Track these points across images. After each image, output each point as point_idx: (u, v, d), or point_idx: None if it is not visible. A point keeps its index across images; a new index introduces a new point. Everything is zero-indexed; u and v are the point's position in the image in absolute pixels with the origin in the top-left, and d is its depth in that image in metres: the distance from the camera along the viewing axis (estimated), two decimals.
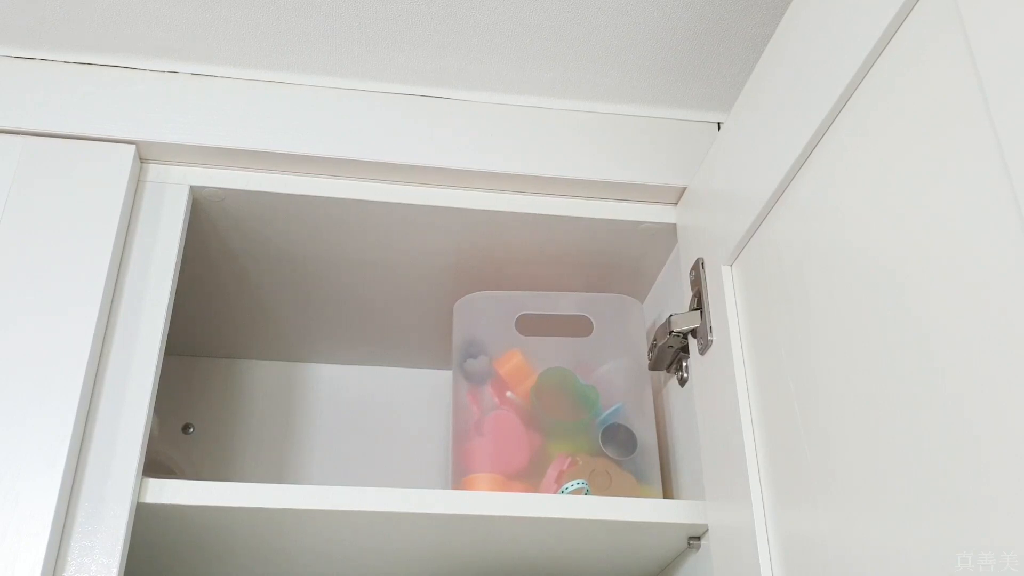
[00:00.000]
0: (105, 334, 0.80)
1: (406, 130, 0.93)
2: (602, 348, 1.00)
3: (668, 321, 0.88)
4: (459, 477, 0.92)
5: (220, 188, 0.90)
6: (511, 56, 0.92)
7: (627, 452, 0.94)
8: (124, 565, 0.72)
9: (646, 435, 0.96)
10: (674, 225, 0.96)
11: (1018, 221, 0.46)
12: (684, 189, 0.95)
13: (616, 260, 1.04)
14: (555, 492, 0.89)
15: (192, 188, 0.89)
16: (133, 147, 0.87)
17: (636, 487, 0.92)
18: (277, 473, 1.17)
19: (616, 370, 0.99)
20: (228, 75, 0.92)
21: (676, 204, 0.96)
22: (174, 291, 0.84)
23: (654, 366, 0.96)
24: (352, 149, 0.91)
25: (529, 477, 0.92)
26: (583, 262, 1.04)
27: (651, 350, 0.95)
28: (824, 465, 0.64)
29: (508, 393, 0.96)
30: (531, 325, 1.00)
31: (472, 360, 0.98)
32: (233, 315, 1.13)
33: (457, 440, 0.95)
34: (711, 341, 0.82)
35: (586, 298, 1.03)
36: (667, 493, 0.97)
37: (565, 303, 1.02)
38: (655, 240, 0.99)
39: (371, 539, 0.87)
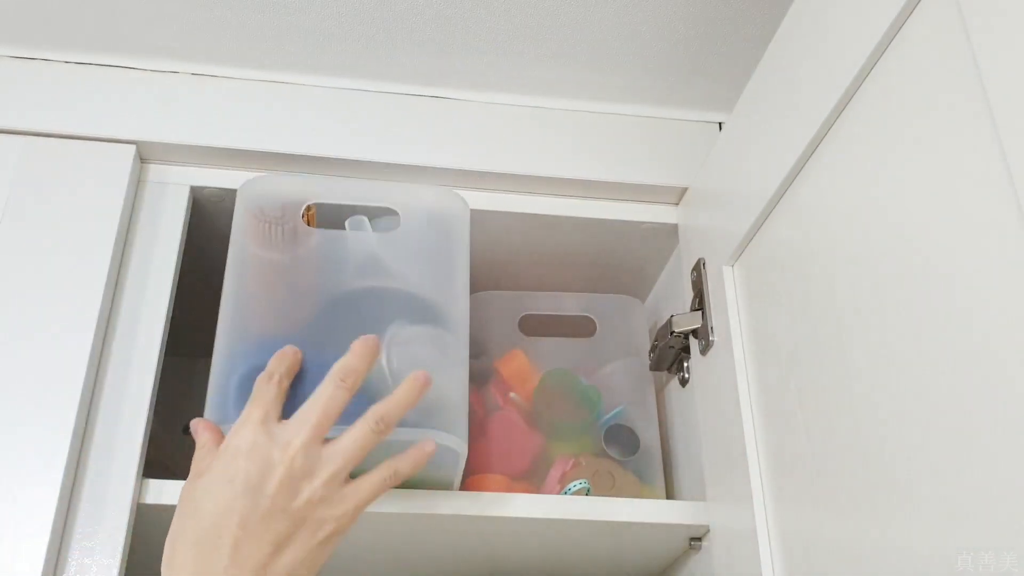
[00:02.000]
0: (106, 334, 0.80)
1: (406, 130, 0.93)
2: (605, 349, 1.00)
3: (669, 321, 0.88)
4: (462, 478, 0.92)
5: (220, 188, 0.90)
6: (511, 56, 0.92)
7: (630, 453, 0.94)
8: (125, 566, 0.72)
9: (649, 436, 0.96)
10: (675, 225, 0.96)
11: (1019, 221, 0.46)
12: (685, 189, 0.94)
13: (617, 260, 1.04)
14: (558, 493, 0.89)
15: (193, 188, 0.89)
16: (134, 147, 0.87)
17: (639, 488, 0.92)
18: None
19: (619, 371, 0.99)
20: (228, 75, 0.92)
21: (677, 204, 0.96)
22: (175, 291, 0.84)
23: (655, 366, 0.96)
24: (352, 149, 0.91)
25: (531, 478, 0.92)
26: (584, 262, 1.04)
27: (652, 350, 0.95)
28: (825, 465, 0.63)
29: (511, 394, 0.96)
30: (534, 325, 1.00)
31: (474, 360, 0.98)
32: None
33: None
34: (712, 341, 0.82)
35: (589, 299, 1.03)
36: (668, 494, 0.97)
37: (568, 303, 1.02)
38: (656, 240, 0.99)
39: (374, 540, 0.87)
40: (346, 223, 0.82)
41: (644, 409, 0.97)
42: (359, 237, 0.81)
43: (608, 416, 0.96)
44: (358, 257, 0.80)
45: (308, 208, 0.82)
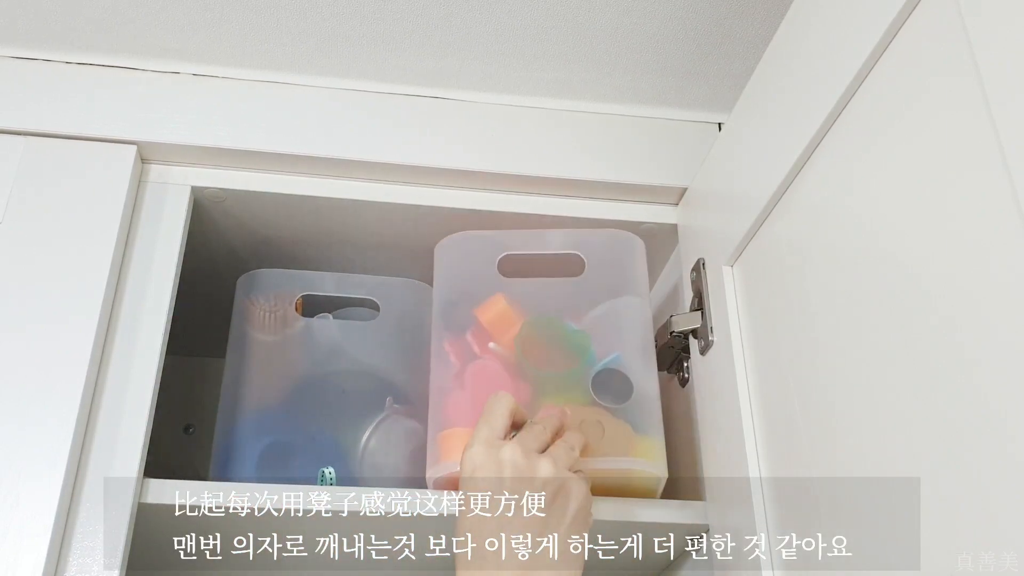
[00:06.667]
0: (106, 334, 0.80)
1: (406, 130, 0.93)
2: (596, 288, 0.91)
3: (669, 321, 0.88)
4: (436, 432, 0.85)
5: (221, 188, 0.90)
6: (511, 56, 0.92)
7: (621, 400, 0.85)
8: (125, 565, 0.72)
9: (645, 381, 0.86)
10: (675, 225, 0.96)
11: (1019, 220, 0.46)
12: (685, 190, 0.94)
13: None
14: None
15: (193, 188, 0.89)
16: (134, 147, 0.87)
17: (632, 437, 0.84)
18: None
19: (611, 312, 0.90)
20: (229, 75, 0.92)
21: (677, 205, 0.96)
22: (175, 291, 0.84)
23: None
24: (352, 149, 0.91)
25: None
26: None
27: None
28: (825, 466, 0.64)
29: (491, 344, 0.88)
30: (516, 266, 0.92)
31: (451, 307, 0.90)
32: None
33: (435, 394, 0.87)
34: (712, 342, 0.82)
35: (577, 234, 0.93)
36: (668, 493, 0.97)
37: (553, 241, 0.93)
38: (656, 240, 0.99)
39: (376, 540, 0.87)
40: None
41: (642, 353, 0.88)
42: (341, 325, 0.96)
43: (603, 363, 0.87)
44: (339, 342, 0.94)
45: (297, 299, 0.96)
